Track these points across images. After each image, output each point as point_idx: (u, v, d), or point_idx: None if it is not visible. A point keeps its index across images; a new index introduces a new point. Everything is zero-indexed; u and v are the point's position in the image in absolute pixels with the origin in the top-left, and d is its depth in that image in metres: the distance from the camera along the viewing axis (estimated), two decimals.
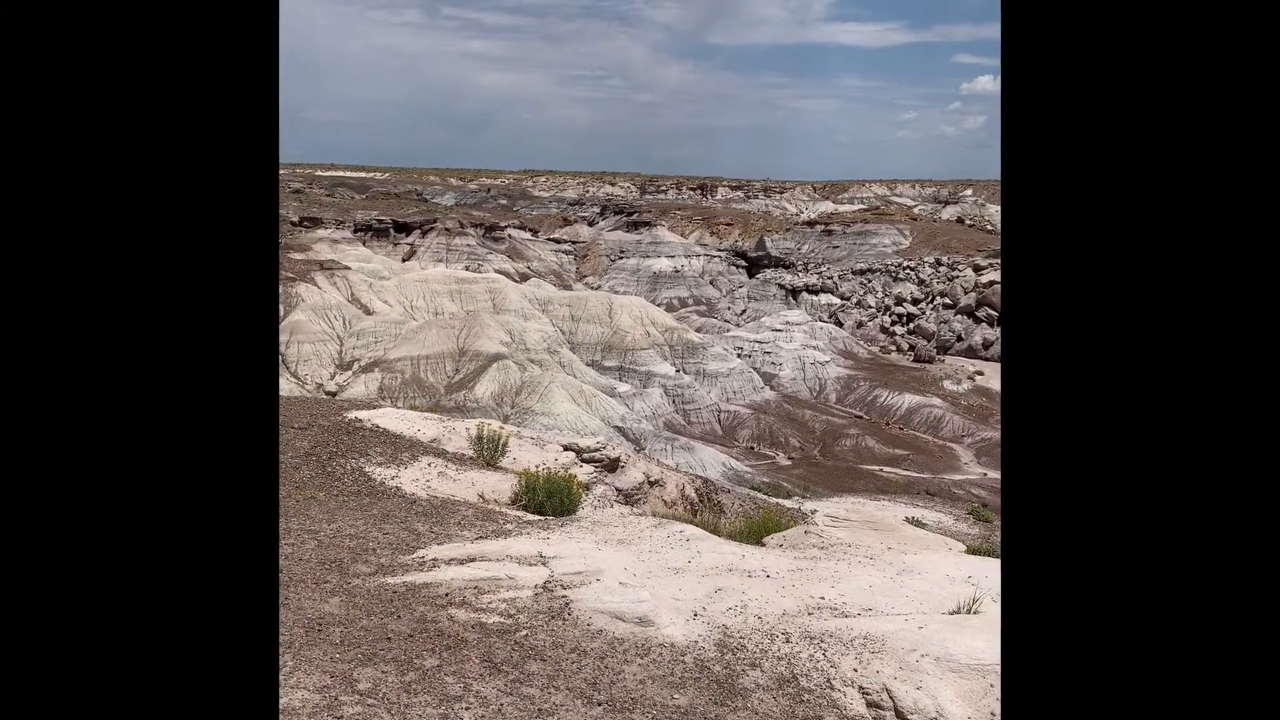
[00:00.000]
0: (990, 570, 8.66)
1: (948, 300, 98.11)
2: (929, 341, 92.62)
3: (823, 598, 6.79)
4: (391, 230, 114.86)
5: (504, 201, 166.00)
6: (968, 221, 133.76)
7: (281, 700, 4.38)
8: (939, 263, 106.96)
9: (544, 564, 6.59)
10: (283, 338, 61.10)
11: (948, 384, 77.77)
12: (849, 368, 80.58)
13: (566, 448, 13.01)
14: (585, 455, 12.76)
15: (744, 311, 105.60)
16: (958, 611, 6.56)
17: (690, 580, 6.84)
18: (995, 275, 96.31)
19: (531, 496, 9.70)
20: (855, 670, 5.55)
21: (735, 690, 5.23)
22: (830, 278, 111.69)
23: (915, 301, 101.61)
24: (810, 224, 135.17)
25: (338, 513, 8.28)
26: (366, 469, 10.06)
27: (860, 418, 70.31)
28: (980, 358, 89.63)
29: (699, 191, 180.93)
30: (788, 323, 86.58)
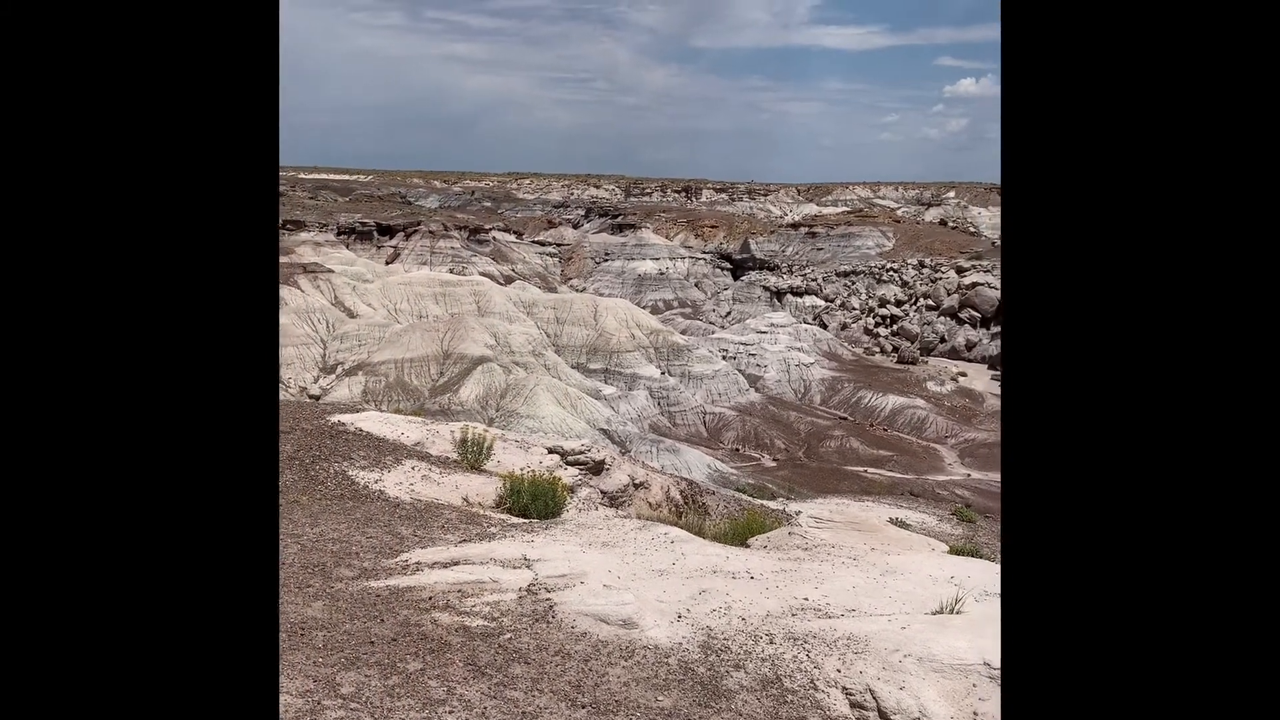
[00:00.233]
0: (973, 570, 8.70)
1: (931, 302, 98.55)
2: (912, 343, 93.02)
3: (806, 599, 6.81)
4: (375, 233, 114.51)
5: (488, 204, 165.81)
6: (950, 224, 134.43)
7: None
8: (922, 265, 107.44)
9: (528, 567, 6.58)
10: None
11: (931, 385, 78.12)
12: (833, 369, 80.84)
13: (551, 450, 13.00)
14: (570, 458, 12.75)
15: (729, 314, 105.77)
16: (940, 612, 6.59)
17: (674, 582, 6.85)
18: (978, 277, 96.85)
19: (516, 499, 9.69)
20: (839, 671, 5.56)
21: (719, 692, 5.24)
22: (814, 280, 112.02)
23: (899, 303, 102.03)
24: (794, 226, 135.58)
25: (321, 517, 8.25)
26: (350, 473, 10.02)
27: (845, 419, 70.54)
28: (963, 359, 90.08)
29: (684, 194, 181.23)
30: (772, 325, 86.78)
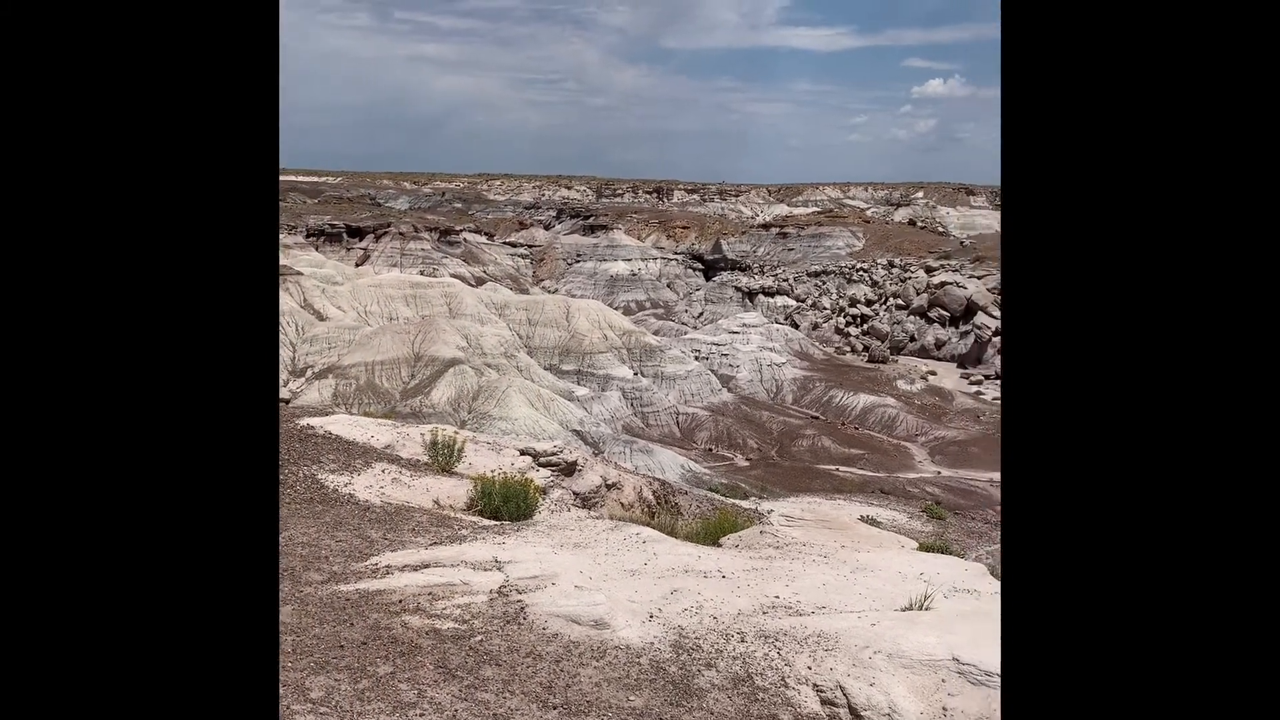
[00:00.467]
0: (942, 567, 8.79)
1: (900, 301, 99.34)
2: (882, 342, 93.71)
3: (777, 597, 6.85)
4: (344, 235, 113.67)
5: (459, 205, 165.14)
6: (919, 224, 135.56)
7: None
8: (891, 264, 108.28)
9: (499, 569, 6.56)
10: None
11: (901, 384, 78.74)
12: (805, 369, 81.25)
13: (523, 452, 12.97)
14: (542, 459, 12.72)
15: (701, 314, 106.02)
16: (910, 608, 6.65)
17: (646, 582, 6.86)
18: (946, 276, 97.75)
19: (487, 501, 9.66)
20: (809, 668, 5.60)
21: (691, 691, 5.26)
22: (786, 280, 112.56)
23: (869, 303, 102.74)
24: (765, 227, 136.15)
25: (290, 521, 8.18)
26: (319, 476, 9.94)
27: (816, 418, 70.92)
28: (933, 357, 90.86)
29: (655, 195, 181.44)
30: (744, 325, 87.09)
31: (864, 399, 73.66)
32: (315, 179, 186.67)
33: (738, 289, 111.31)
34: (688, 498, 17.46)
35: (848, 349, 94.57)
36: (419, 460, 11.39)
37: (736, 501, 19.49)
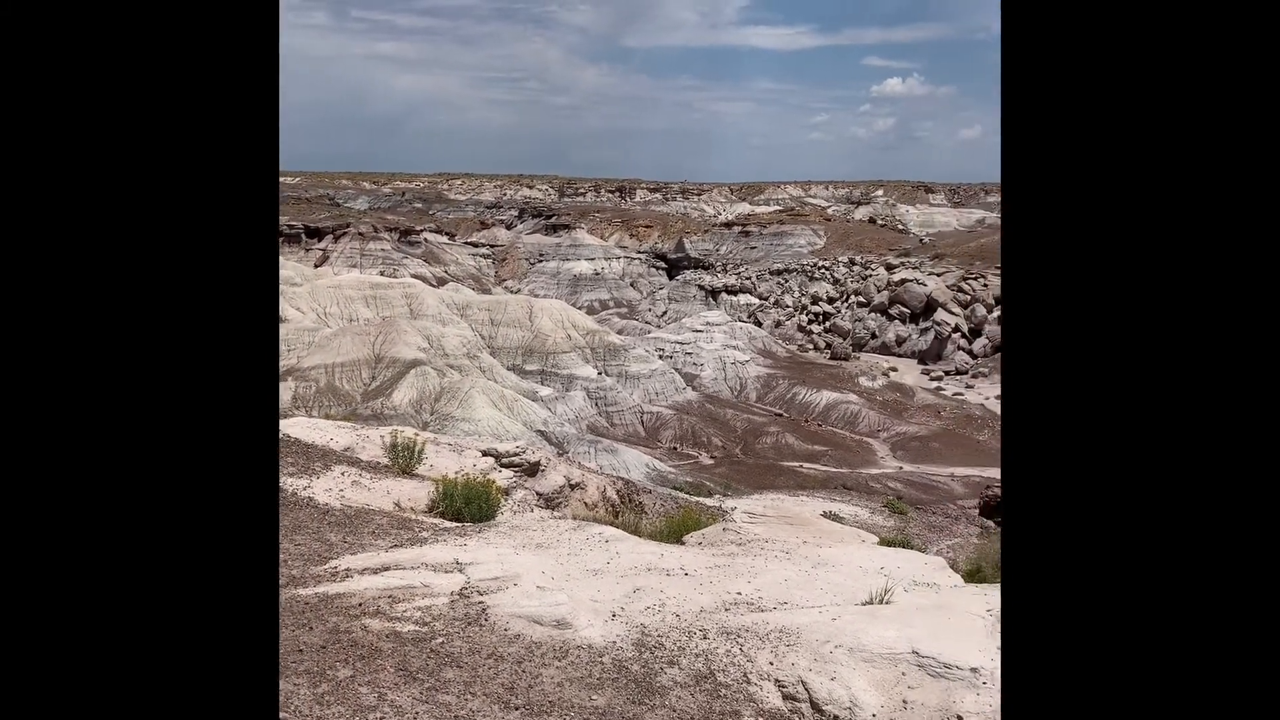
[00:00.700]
0: (902, 561, 8.88)
1: (862, 299, 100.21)
2: (844, 339, 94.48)
3: (739, 593, 6.87)
4: (303, 235, 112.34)
5: (419, 205, 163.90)
6: (879, 222, 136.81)
7: None
8: (853, 262, 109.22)
9: (460, 570, 6.53)
10: None
11: (863, 380, 79.43)
12: (768, 366, 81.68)
13: (485, 453, 12.91)
14: (504, 460, 12.67)
15: (664, 313, 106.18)
16: (870, 602, 6.71)
17: (609, 581, 6.86)
18: (907, 274, 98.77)
19: (449, 503, 9.59)
20: (771, 664, 5.63)
21: (653, 689, 5.26)
22: (748, 278, 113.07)
23: (831, 300, 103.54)
24: (728, 225, 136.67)
25: None
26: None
27: (780, 415, 71.33)
28: (894, 354, 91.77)
29: (617, 194, 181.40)
30: (708, 323, 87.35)
31: (827, 396, 74.20)
32: None
33: (701, 288, 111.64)
34: (652, 496, 17.48)
35: (810, 346, 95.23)
36: (379, 462, 11.29)
37: (700, 499, 19.55)
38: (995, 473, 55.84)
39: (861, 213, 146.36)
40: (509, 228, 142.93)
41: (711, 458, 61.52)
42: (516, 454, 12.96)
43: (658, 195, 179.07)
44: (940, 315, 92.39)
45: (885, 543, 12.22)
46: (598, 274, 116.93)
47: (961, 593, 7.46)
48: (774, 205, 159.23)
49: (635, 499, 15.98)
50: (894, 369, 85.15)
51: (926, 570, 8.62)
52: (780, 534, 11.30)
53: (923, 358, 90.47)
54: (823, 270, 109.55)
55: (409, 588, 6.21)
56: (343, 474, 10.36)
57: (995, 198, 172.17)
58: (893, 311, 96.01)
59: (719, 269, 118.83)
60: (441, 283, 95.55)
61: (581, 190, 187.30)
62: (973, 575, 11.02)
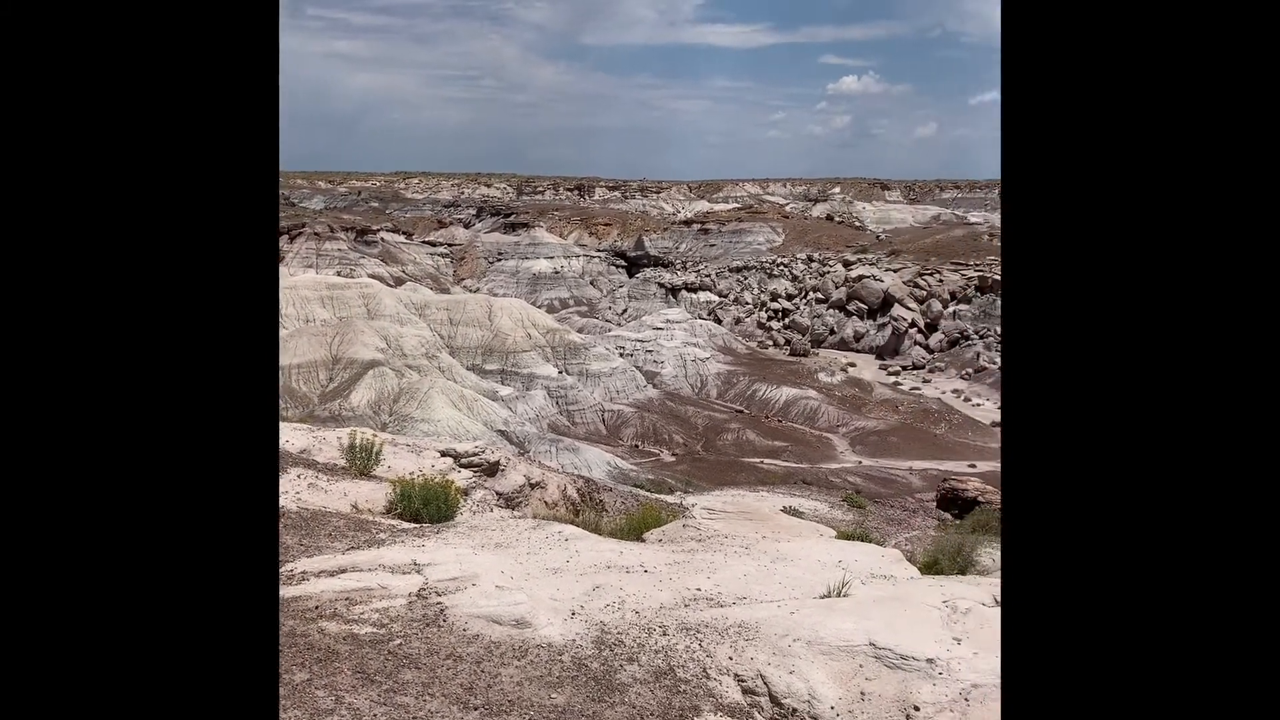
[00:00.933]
0: (860, 554, 8.97)
1: (820, 295, 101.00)
2: (803, 335, 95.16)
3: (699, 589, 6.90)
4: None
5: (376, 204, 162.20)
6: (836, 219, 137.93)
7: None
8: (811, 259, 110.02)
9: (418, 571, 6.48)
10: None
11: (822, 376, 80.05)
12: (729, 363, 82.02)
13: (444, 453, 12.82)
14: (463, 460, 12.60)
15: (625, 311, 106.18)
16: (828, 595, 6.77)
17: (568, 580, 6.85)
18: (864, 270, 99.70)
19: (406, 504, 9.52)
20: (730, 659, 5.66)
21: (613, 686, 5.27)
22: (708, 276, 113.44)
23: (789, 297, 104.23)
24: (687, 223, 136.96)
25: None
26: None
27: (741, 412, 71.66)
28: (852, 350, 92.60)
29: (576, 192, 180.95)
30: (668, 321, 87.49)
31: (787, 392, 74.68)
32: None
33: (661, 285, 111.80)
34: (613, 494, 17.49)
35: (770, 343, 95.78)
36: (336, 464, 11.17)
37: (662, 497, 19.60)
38: (952, 466, 56.59)
39: (819, 210, 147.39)
40: (467, 226, 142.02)
41: (673, 455, 61.65)
42: (475, 454, 12.90)
43: (616, 193, 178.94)
44: (897, 311, 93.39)
45: (844, 536, 12.34)
46: (557, 272, 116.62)
47: (918, 584, 7.56)
48: (732, 203, 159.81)
49: (596, 497, 15.98)
50: (852, 364, 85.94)
51: (883, 563, 8.72)
52: (740, 529, 11.36)
53: (880, 353, 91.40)
54: (781, 267, 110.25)
55: (366, 590, 6.16)
56: (299, 476, 10.24)
57: (950, 194, 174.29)
58: (850, 308, 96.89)
59: (679, 267, 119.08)
60: (399, 282, 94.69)
61: (540, 188, 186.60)
62: (930, 567, 11.16)
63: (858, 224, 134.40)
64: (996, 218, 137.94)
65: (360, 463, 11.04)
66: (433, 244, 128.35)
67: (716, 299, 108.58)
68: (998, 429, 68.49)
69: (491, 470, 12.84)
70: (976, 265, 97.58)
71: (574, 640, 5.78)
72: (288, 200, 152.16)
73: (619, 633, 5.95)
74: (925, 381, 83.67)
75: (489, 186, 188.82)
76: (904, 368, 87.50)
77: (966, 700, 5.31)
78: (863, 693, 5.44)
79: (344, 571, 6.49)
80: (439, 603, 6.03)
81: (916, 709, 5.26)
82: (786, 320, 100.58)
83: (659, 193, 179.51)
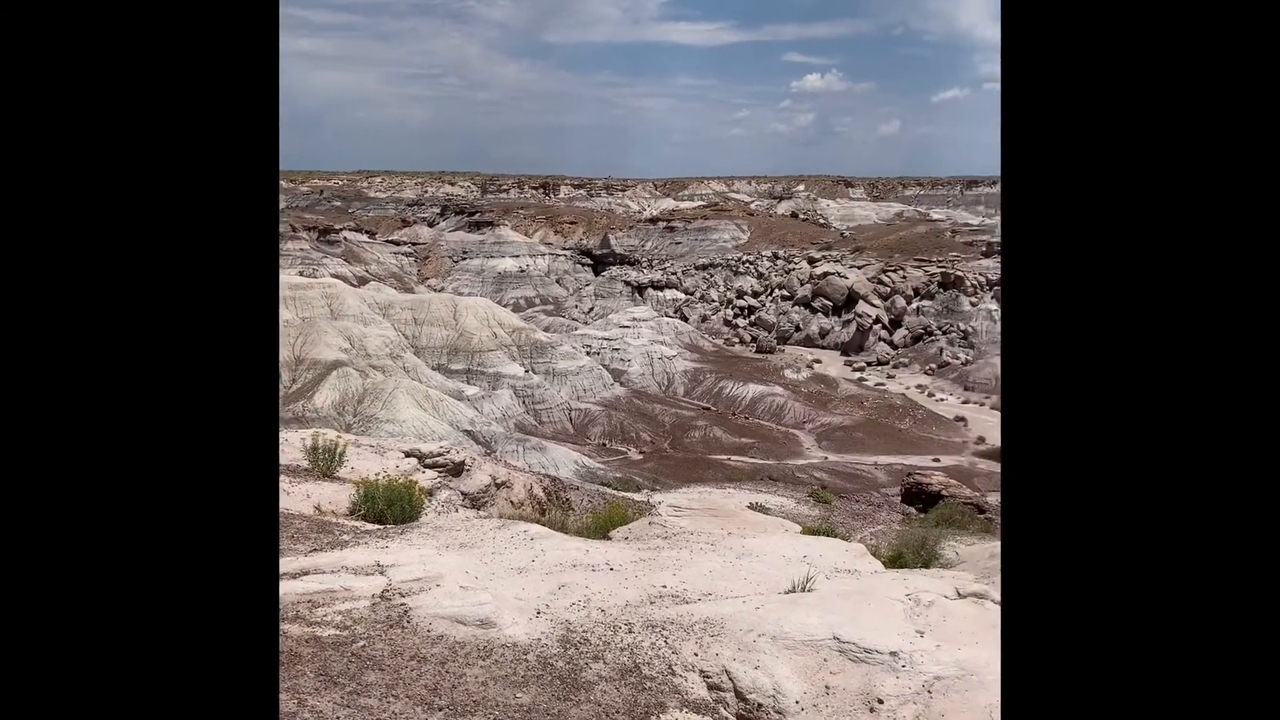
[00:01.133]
0: (824, 549, 9.03)
1: (785, 292, 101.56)
2: (769, 332, 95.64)
3: (664, 586, 6.91)
4: None
5: (338, 204, 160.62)
6: (801, 216, 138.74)
7: None
8: (776, 256, 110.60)
9: (381, 573, 6.43)
10: None
11: (788, 373, 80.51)
12: (695, 361, 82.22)
13: (408, 454, 12.73)
14: (428, 460, 12.52)
15: (591, 309, 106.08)
16: (793, 590, 6.81)
17: (534, 579, 6.83)
18: (828, 267, 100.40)
19: (370, 505, 9.44)
20: (696, 655, 5.67)
21: (578, 684, 5.26)
22: (674, 273, 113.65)
23: (755, 294, 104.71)
24: (653, 221, 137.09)
25: None
26: None
27: (708, 409, 71.87)
28: (817, 346, 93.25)
29: (541, 190, 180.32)
30: (635, 319, 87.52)
31: (753, 389, 75.01)
32: None
33: (627, 283, 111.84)
34: (579, 493, 17.47)
35: (736, 340, 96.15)
36: (299, 466, 11.05)
37: (628, 495, 19.60)
38: (917, 460, 57.14)
39: (784, 207, 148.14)
40: (431, 225, 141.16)
41: (640, 453, 61.70)
42: (440, 454, 12.82)
43: (582, 191, 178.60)
44: (862, 307, 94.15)
45: (809, 532, 12.42)
46: (523, 271, 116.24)
47: (881, 578, 7.62)
48: (698, 200, 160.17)
49: (562, 496, 15.95)
50: (818, 361, 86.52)
51: (848, 557, 8.78)
52: (706, 526, 11.39)
53: (845, 349, 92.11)
54: (747, 264, 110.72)
55: (329, 592, 6.09)
56: None
57: (913, 191, 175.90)
58: (815, 304, 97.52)
59: (645, 265, 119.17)
60: (362, 282, 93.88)
61: (504, 187, 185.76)
62: (894, 561, 11.26)
63: (822, 221, 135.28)
64: (959, 214, 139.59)
65: (323, 464, 10.93)
66: (396, 243, 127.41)
67: (683, 297, 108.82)
68: (961, 423, 69.39)
69: (456, 470, 12.78)
70: (939, 262, 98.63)
71: (539, 639, 5.76)
72: None
73: (584, 631, 5.94)
74: (890, 377, 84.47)
75: (453, 185, 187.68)
76: (869, 364, 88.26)
77: (930, 692, 5.36)
78: (827, 686, 5.48)
79: (307, 574, 6.42)
80: (403, 604, 5.99)
81: (880, 701, 5.31)
82: (752, 317, 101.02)
83: (624, 191, 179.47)
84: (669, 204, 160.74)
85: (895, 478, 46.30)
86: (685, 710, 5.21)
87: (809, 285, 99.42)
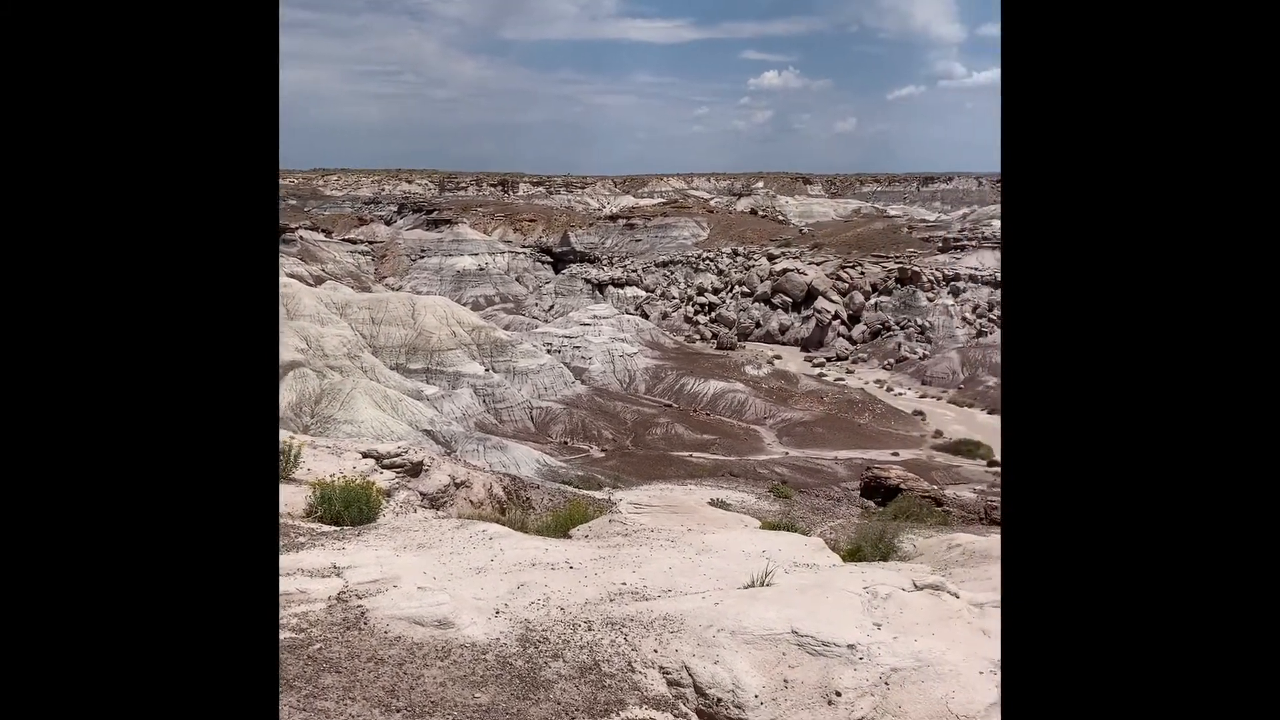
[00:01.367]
0: (783, 544, 9.09)
1: (745, 289, 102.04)
2: (730, 329, 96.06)
3: (624, 583, 6.91)
4: None
5: (294, 202, 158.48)
6: (760, 213, 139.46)
7: None
8: (736, 253, 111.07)
9: (338, 574, 6.36)
10: None
11: (749, 369, 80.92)
12: (656, 358, 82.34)
13: (366, 455, 12.61)
14: (386, 461, 12.41)
15: (551, 307, 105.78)
16: (752, 585, 6.84)
17: (492, 578, 6.80)
18: (788, 263, 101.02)
19: (327, 507, 9.34)
20: (655, 651, 5.68)
21: (538, 683, 5.24)
22: (634, 271, 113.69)
23: (716, 291, 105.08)
24: (612, 218, 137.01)
25: None
26: None
27: (669, 406, 72.02)
28: (777, 342, 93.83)
29: (500, 188, 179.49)
30: (595, 317, 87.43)
31: (714, 385, 75.30)
32: None
33: (587, 281, 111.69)
34: (540, 492, 17.43)
35: (697, 337, 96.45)
36: None
37: (589, 493, 19.59)
38: (876, 454, 57.71)
39: (743, 204, 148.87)
40: (388, 224, 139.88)
41: (602, 450, 61.67)
42: (398, 454, 12.71)
43: (541, 189, 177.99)
44: (821, 303, 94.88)
45: (769, 527, 12.49)
46: (482, 269, 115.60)
47: (839, 572, 7.69)
48: (657, 198, 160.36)
49: (523, 495, 15.90)
50: (778, 357, 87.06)
51: (806, 551, 8.85)
52: (666, 523, 11.41)
53: (805, 345, 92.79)
54: (707, 261, 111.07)
55: (284, 594, 6.02)
56: None
57: (870, 188, 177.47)
58: (775, 301, 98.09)
59: (605, 262, 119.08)
60: (319, 281, 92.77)
61: (463, 184, 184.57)
62: (852, 555, 11.37)
63: (781, 218, 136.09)
64: (915, 210, 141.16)
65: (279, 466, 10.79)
66: (353, 242, 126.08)
67: (643, 294, 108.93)
68: (919, 417, 70.23)
69: (415, 471, 12.68)
70: (897, 257, 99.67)
71: (498, 639, 5.74)
72: None
73: (543, 630, 5.92)
74: (849, 372, 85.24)
75: (410, 183, 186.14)
76: (828, 359, 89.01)
77: (886, 684, 5.42)
78: (786, 680, 5.51)
79: None
80: (359, 605, 5.93)
81: (838, 694, 5.35)
82: (713, 314, 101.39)
83: (584, 188, 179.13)
84: (629, 201, 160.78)
85: (855, 472, 46.75)
86: (645, 707, 5.22)
87: (769, 282, 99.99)
